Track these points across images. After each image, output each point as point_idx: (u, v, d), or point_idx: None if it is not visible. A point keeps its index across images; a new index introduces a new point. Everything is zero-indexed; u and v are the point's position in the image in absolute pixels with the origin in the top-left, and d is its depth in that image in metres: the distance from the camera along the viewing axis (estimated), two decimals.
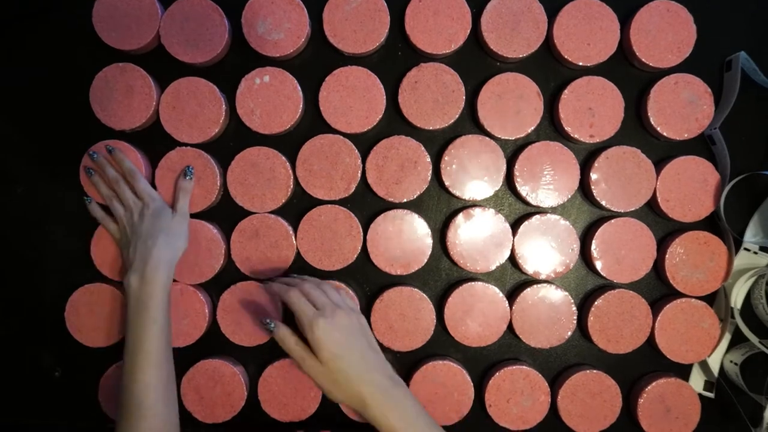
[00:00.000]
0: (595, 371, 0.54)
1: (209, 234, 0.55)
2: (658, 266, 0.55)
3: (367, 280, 0.56)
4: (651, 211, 0.56)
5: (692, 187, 0.54)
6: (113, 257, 0.55)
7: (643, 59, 0.53)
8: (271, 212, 0.55)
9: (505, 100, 0.54)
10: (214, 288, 0.56)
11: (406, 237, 0.54)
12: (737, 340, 0.55)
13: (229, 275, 0.56)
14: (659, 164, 0.55)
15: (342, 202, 0.55)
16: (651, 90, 0.53)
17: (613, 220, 0.54)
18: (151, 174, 0.56)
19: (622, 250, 0.54)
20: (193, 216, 0.55)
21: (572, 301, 0.54)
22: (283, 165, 0.55)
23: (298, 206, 0.56)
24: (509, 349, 0.57)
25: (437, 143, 0.56)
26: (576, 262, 0.55)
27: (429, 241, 0.55)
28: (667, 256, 0.54)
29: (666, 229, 0.56)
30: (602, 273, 0.54)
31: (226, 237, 0.56)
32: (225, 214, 0.56)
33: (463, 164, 0.54)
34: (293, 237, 0.55)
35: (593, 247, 0.54)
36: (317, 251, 0.55)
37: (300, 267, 0.55)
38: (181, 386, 0.55)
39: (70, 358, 0.57)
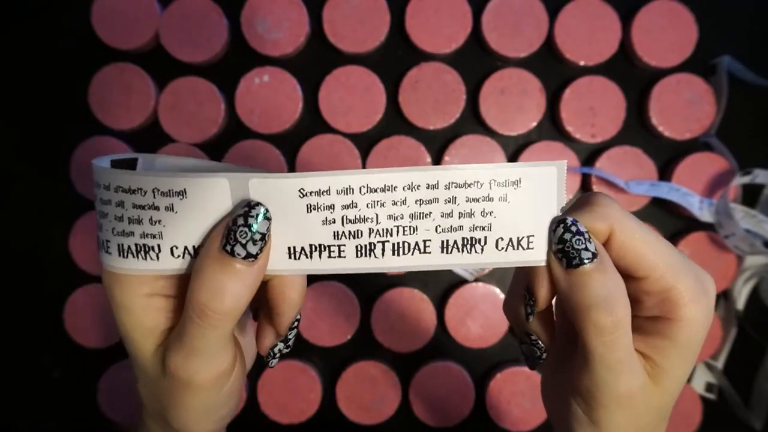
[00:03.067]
0: None
1: None
2: None
3: (367, 281, 0.56)
4: (654, 212, 0.55)
5: (703, 184, 0.53)
6: None
7: (644, 59, 0.53)
8: None
9: (507, 96, 0.53)
10: None
11: None
12: (740, 341, 0.55)
13: None
14: (668, 167, 0.54)
15: None
16: (652, 90, 0.53)
17: None
18: None
19: None
20: None
21: None
22: (276, 159, 0.54)
23: None
24: (511, 350, 0.56)
25: (438, 143, 0.55)
26: None
27: None
28: None
29: (672, 229, 0.55)
30: None
31: None
32: None
33: (463, 164, 0.54)
34: None
35: None
36: None
37: None
38: None
39: (68, 359, 0.57)
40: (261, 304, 0.27)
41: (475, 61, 0.55)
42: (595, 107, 0.53)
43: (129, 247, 0.24)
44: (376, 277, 0.55)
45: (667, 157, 0.55)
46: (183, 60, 0.54)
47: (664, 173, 0.55)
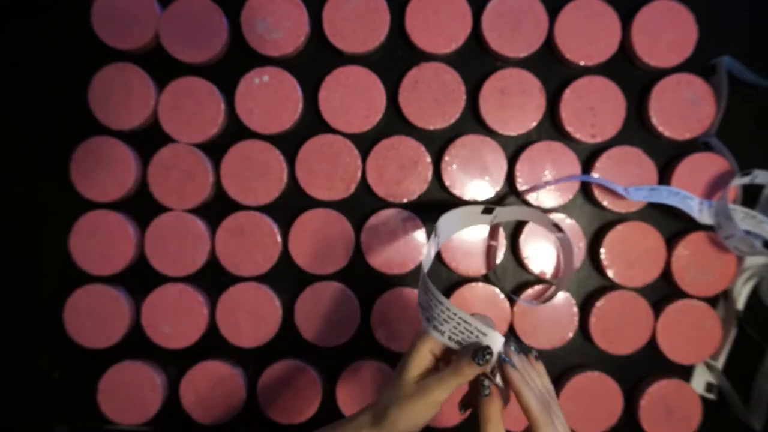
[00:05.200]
0: (596, 372, 0.54)
1: (198, 230, 0.55)
2: (665, 269, 0.55)
3: (367, 282, 0.56)
4: (654, 212, 0.55)
5: (703, 185, 0.53)
6: None
7: (644, 59, 0.53)
8: (265, 206, 0.55)
9: (507, 96, 0.54)
10: (213, 289, 0.56)
11: (402, 239, 0.54)
12: (740, 341, 0.55)
13: (227, 277, 0.55)
14: (669, 166, 0.54)
15: (342, 203, 0.55)
16: (652, 90, 0.53)
17: (619, 226, 0.53)
18: (143, 172, 0.55)
19: (632, 255, 0.54)
20: (186, 212, 0.55)
21: (573, 301, 0.54)
22: (276, 158, 0.54)
23: (297, 207, 0.55)
24: None
25: (437, 143, 0.55)
26: (582, 261, 0.54)
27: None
28: (673, 258, 0.54)
29: (672, 230, 0.55)
30: (615, 280, 0.54)
31: (212, 233, 0.56)
32: (219, 209, 0.56)
33: (463, 164, 0.54)
34: (278, 235, 0.55)
35: (602, 255, 0.54)
36: (309, 255, 0.55)
37: (297, 272, 0.55)
38: (180, 387, 0.55)
39: (68, 359, 0.57)
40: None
41: (475, 61, 0.55)
42: (595, 107, 0.53)
43: (442, 331, 0.39)
44: (376, 278, 0.55)
45: (667, 157, 0.55)
46: (183, 60, 0.54)
47: (664, 173, 0.55)
